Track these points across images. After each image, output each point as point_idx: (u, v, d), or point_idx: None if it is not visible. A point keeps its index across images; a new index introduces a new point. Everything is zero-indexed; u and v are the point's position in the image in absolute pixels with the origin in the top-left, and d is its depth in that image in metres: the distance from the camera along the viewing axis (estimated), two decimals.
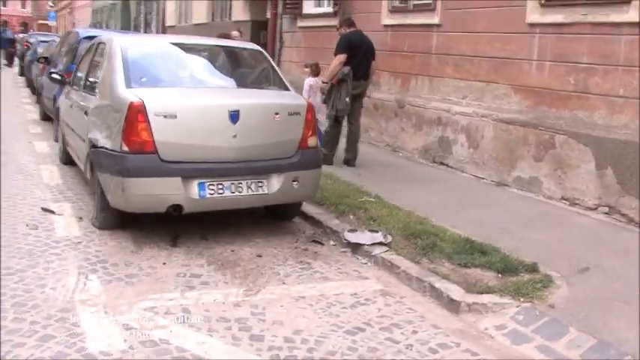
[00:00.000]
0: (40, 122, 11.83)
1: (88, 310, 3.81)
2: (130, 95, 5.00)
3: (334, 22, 11.28)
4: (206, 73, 5.93)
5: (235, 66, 6.46)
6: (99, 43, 6.41)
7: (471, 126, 8.16)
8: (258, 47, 6.53)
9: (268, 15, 14.59)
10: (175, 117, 4.92)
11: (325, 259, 5.07)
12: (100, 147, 5.23)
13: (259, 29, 15.56)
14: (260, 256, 5.03)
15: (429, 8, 9.06)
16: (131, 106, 4.88)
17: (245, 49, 6.59)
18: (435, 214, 6.02)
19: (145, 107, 4.85)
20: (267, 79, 6.21)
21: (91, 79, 6.24)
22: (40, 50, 17.33)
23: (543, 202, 6.84)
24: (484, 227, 5.68)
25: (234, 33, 13.09)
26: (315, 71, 9.14)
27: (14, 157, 8.32)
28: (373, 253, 5.05)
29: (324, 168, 7.69)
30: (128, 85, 5.19)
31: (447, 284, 4.36)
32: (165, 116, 4.89)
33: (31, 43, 21.50)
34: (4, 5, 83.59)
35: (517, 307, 4.09)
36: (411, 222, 5.64)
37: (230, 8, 17.94)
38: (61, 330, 3.54)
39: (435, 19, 8.88)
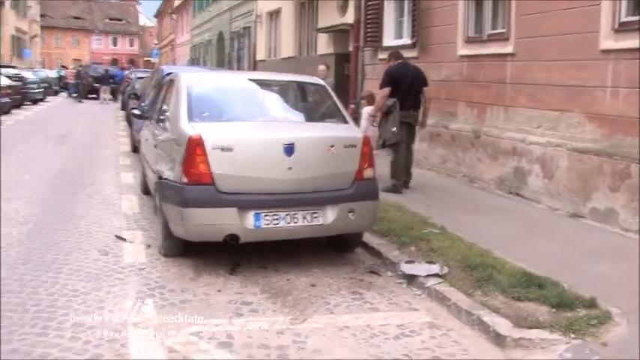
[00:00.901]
0: (130, 154, 12.48)
1: (138, 333, 4.02)
2: (190, 129, 5.25)
3: (413, 53, 11.40)
4: (266, 107, 6.12)
5: (296, 100, 6.63)
6: (171, 80, 6.75)
7: (545, 156, 7.96)
8: (320, 81, 6.70)
9: (351, 48, 14.81)
10: (232, 150, 5.12)
11: (379, 290, 5.08)
12: (165, 178, 5.50)
13: (343, 61, 15.82)
14: (314, 285, 5.11)
15: (502, 37, 8.97)
16: (190, 139, 5.12)
17: (308, 83, 6.76)
18: (500, 245, 5.90)
19: (203, 141, 5.08)
20: (328, 113, 6.34)
21: (162, 114, 6.58)
22: (137, 86, 18.29)
23: (618, 235, 6.56)
24: (548, 260, 5.52)
25: (322, 67, 13.39)
26: (371, 100, 9.47)
27: (100, 188, 8.85)
28: (426, 285, 5.02)
29: (395, 199, 7.82)
30: (190, 119, 5.45)
31: (495, 318, 4.27)
32: (222, 149, 5.10)
33: (131, 79, 22.73)
34: (115, 44, 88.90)
35: (567, 343, 3.95)
36: (472, 254, 5.56)
37: (315, 42, 18.38)
38: (110, 350, 3.76)
39: (508, 49, 8.77)
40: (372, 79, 13.74)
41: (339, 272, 5.49)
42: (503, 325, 4.16)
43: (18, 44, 56.90)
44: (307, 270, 5.48)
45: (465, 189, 9.19)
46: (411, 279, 5.24)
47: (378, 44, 13.25)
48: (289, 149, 5.19)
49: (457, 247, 5.76)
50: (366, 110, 9.30)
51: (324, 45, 17.30)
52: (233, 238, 5.16)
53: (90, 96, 32.71)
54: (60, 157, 11.97)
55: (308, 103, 6.68)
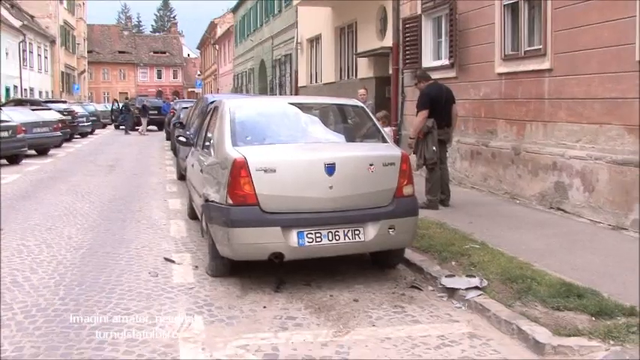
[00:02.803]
0: (176, 182, 12.83)
1: (188, 347, 4.21)
2: (234, 153, 5.48)
3: (452, 73, 11.57)
4: (307, 129, 6.31)
5: (336, 122, 6.83)
6: (215, 107, 7.01)
7: (585, 170, 7.98)
8: (359, 103, 6.89)
9: (391, 71, 15.01)
10: (275, 171, 5.32)
11: (420, 304, 5.19)
12: (211, 201, 5.73)
13: (384, 84, 16.00)
14: (357, 300, 5.24)
15: (539, 54, 9.04)
16: (235, 162, 5.34)
17: (346, 105, 6.95)
18: (540, 259, 5.98)
19: (247, 163, 5.30)
20: (367, 133, 6.51)
21: (207, 140, 6.83)
22: (182, 116, 18.78)
23: None
24: (587, 271, 5.57)
25: (361, 91, 13.63)
26: (386, 121, 10.37)
27: (149, 214, 9.17)
28: (467, 297, 5.11)
29: (436, 216, 7.93)
30: (234, 143, 5.69)
31: (534, 327, 4.35)
32: (265, 171, 5.31)
33: (175, 110, 23.31)
34: (159, 77, 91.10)
35: (606, 350, 4.00)
36: (512, 267, 5.63)
37: (356, 67, 18.62)
38: None
39: (546, 64, 8.84)
40: (412, 101, 13.84)
41: (381, 287, 5.62)
42: (542, 334, 4.23)
43: (67, 80, 58.95)
44: (350, 286, 5.62)
45: (506, 206, 9.22)
46: (451, 292, 5.34)
47: (417, 66, 13.40)
48: (330, 169, 5.37)
49: (497, 261, 5.84)
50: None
51: (364, 69, 17.54)
52: (278, 256, 5.34)
53: (136, 128, 33.58)
54: (109, 185, 12.41)
55: (347, 124, 6.87)
